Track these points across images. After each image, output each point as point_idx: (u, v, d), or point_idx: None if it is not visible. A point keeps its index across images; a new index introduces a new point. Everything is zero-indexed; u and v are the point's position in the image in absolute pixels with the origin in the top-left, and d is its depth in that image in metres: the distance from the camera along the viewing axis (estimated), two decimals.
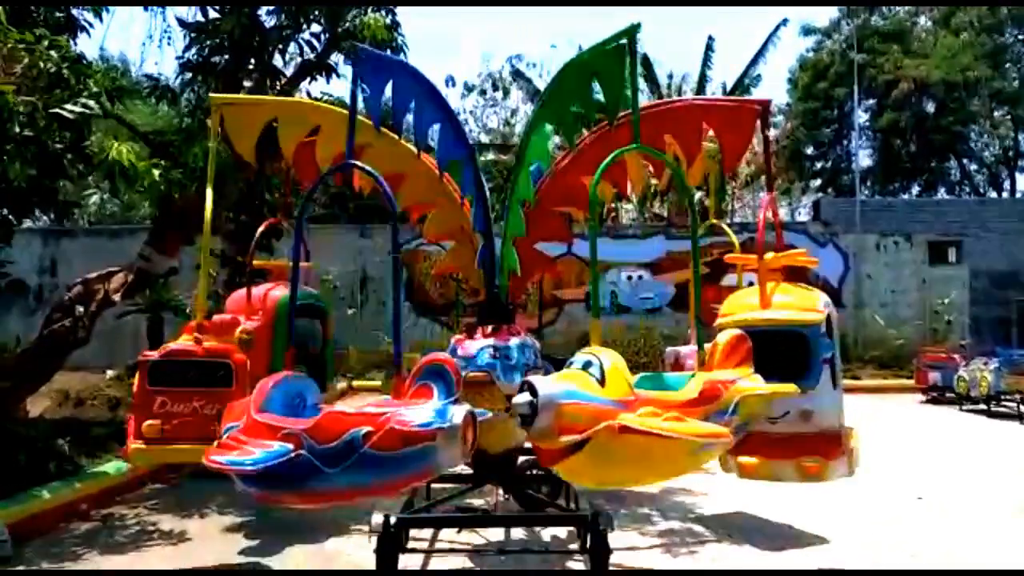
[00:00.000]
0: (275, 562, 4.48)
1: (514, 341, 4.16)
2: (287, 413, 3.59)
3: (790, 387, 3.69)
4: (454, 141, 4.50)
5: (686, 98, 4.49)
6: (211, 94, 4.74)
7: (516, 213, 4.43)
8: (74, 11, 6.59)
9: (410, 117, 4.58)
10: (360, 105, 4.32)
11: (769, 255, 4.32)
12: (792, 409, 3.77)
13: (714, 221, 6.40)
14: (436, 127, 4.48)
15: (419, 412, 3.38)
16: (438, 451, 3.31)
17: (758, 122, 4.63)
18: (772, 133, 22.14)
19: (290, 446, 3.39)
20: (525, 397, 3.18)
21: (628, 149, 3.98)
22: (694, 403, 3.36)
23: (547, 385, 3.18)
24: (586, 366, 3.36)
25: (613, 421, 3.04)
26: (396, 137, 4.61)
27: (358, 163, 3.81)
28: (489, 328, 4.27)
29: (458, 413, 3.35)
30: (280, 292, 5.01)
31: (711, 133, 4.69)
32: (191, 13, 7.59)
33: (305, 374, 3.84)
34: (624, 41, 4.24)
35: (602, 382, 3.22)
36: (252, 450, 3.47)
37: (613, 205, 17.40)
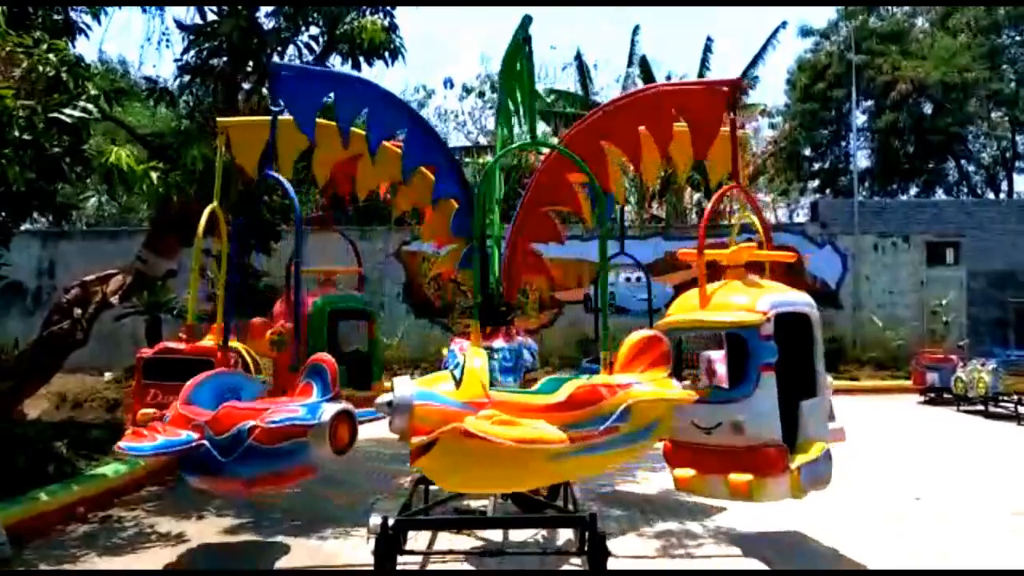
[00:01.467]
0: (274, 564, 4.48)
1: (512, 343, 4.18)
2: (216, 406, 3.89)
3: (686, 394, 3.44)
4: (422, 146, 4.57)
5: (655, 84, 4.43)
6: (219, 118, 4.82)
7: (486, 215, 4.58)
8: (72, 14, 6.59)
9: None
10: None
11: (733, 249, 4.02)
12: (724, 420, 3.42)
13: (748, 216, 5.85)
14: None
15: (294, 409, 3.69)
16: (310, 447, 3.60)
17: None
18: (770, 134, 22.00)
19: (195, 435, 3.83)
20: (386, 397, 3.31)
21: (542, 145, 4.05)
22: (558, 408, 3.29)
23: (403, 387, 3.31)
24: (457, 366, 3.48)
25: (458, 424, 3.11)
26: (389, 146, 4.67)
27: (273, 173, 4.24)
28: (488, 330, 4.29)
29: (328, 411, 3.61)
30: (318, 296, 5.35)
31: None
32: (189, 16, 7.60)
33: (344, 372, 4.01)
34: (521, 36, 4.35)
35: (459, 384, 3.31)
36: (157, 437, 3.92)
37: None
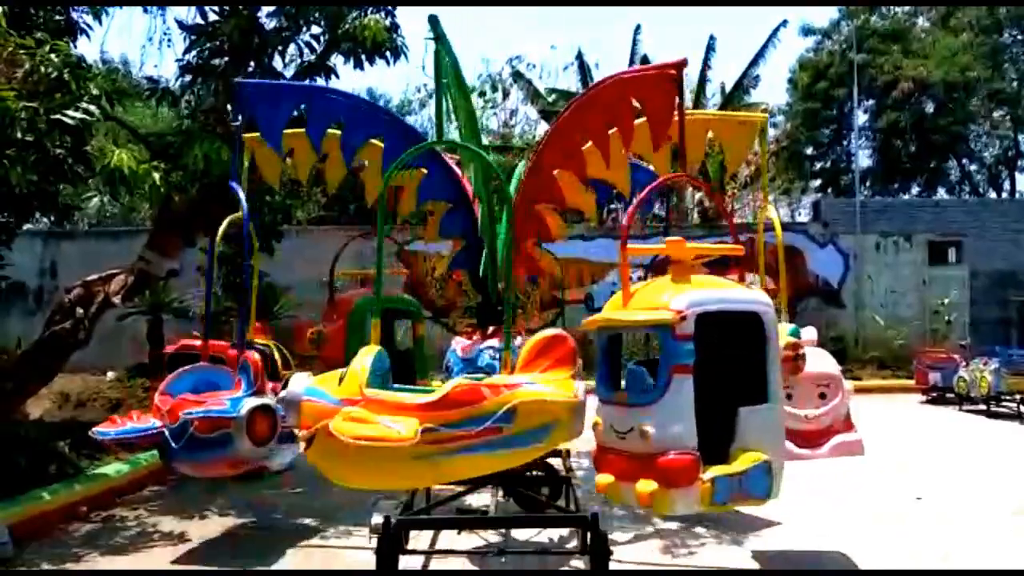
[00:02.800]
0: (275, 563, 4.49)
1: (514, 342, 4.18)
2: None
3: (564, 396, 3.27)
4: (404, 150, 4.63)
5: (611, 75, 4.44)
6: (244, 134, 4.85)
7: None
8: (74, 14, 6.60)
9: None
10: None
11: (691, 245, 3.75)
12: (635, 425, 3.21)
13: (769, 213, 5.56)
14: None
15: (222, 402, 4.17)
16: (235, 438, 4.08)
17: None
18: (772, 133, 22.03)
19: (158, 423, 4.30)
20: (282, 393, 3.48)
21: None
22: (431, 407, 3.23)
23: (296, 383, 3.41)
24: (458, 367, 3.51)
25: (327, 421, 3.18)
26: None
27: (235, 186, 4.52)
28: (489, 330, 4.29)
29: (248, 404, 4.07)
30: (361, 297, 5.65)
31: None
32: (190, 16, 7.60)
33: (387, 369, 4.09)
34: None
35: (341, 380, 3.37)
36: (125, 424, 4.48)
37: (614, 206, 17.39)
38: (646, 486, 3.09)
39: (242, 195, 4.68)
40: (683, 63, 4.19)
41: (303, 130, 4.67)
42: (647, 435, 3.12)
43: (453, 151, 5.24)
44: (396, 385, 3.64)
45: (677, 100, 4.15)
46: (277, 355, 5.68)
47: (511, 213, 4.22)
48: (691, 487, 3.09)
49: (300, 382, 3.43)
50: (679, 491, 3.09)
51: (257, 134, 4.82)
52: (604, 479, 3.34)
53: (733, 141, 4.95)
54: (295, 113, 4.96)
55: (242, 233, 4.76)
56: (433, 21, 4.55)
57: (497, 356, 4.10)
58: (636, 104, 4.28)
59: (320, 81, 7.62)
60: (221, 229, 4.86)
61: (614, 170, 4.62)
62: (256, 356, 4.53)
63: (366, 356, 3.47)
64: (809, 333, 4.52)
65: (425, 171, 4.85)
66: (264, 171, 5.27)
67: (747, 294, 3.50)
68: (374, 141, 4.77)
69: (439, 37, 4.50)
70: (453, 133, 5.72)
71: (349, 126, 4.65)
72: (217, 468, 4.57)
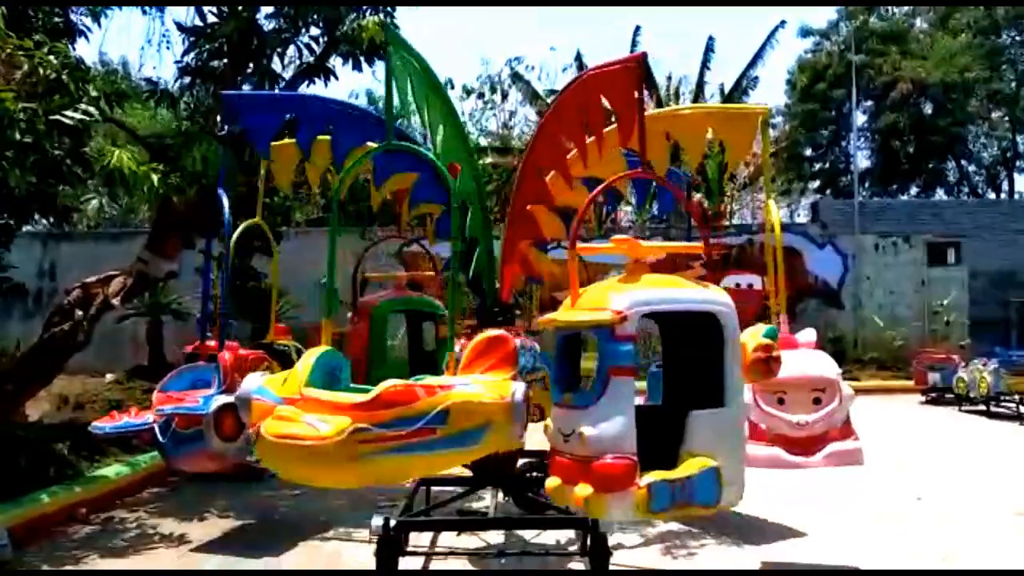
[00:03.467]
0: (275, 565, 4.49)
1: (513, 344, 4.17)
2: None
3: (496, 399, 3.24)
4: (395, 155, 4.66)
5: (583, 71, 4.45)
6: (272, 143, 4.92)
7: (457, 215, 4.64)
8: (73, 16, 6.60)
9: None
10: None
11: (646, 244, 3.80)
12: (576, 428, 3.14)
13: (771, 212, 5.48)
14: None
15: (197, 399, 4.57)
16: (206, 434, 4.44)
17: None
18: (771, 134, 22.12)
19: (151, 419, 4.66)
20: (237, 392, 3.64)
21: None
22: (365, 407, 3.23)
23: (247, 382, 3.53)
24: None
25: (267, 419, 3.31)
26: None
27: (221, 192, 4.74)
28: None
29: (216, 402, 4.45)
30: (382, 299, 5.82)
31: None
32: (189, 18, 7.61)
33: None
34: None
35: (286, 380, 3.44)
36: (121, 419, 4.92)
37: (612, 207, 17.39)
38: (582, 490, 3.03)
39: (226, 203, 4.89)
40: (643, 56, 4.17)
41: (327, 138, 4.76)
42: (584, 438, 3.06)
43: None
44: (356, 385, 3.71)
45: (637, 95, 4.03)
46: (295, 356, 5.83)
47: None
48: (626, 493, 3.01)
49: (252, 381, 3.50)
50: (614, 496, 3.00)
51: (287, 141, 4.93)
52: (552, 482, 3.29)
53: (733, 136, 4.76)
54: (286, 117, 5.05)
55: (240, 236, 4.89)
56: (385, 27, 4.62)
57: None
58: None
59: (319, 82, 7.64)
60: (235, 234, 5.03)
61: (607, 167, 4.60)
62: (227, 356, 4.79)
63: (310, 356, 3.53)
64: (807, 335, 4.41)
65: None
66: (278, 177, 5.37)
67: (701, 293, 3.37)
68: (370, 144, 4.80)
69: (393, 43, 4.51)
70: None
71: (339, 131, 4.73)
72: (199, 462, 4.81)
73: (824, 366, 4.24)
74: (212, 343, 5.30)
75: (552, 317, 3.42)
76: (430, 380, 3.37)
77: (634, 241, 3.54)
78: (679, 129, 4.73)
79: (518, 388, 3.31)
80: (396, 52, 4.54)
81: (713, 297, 3.36)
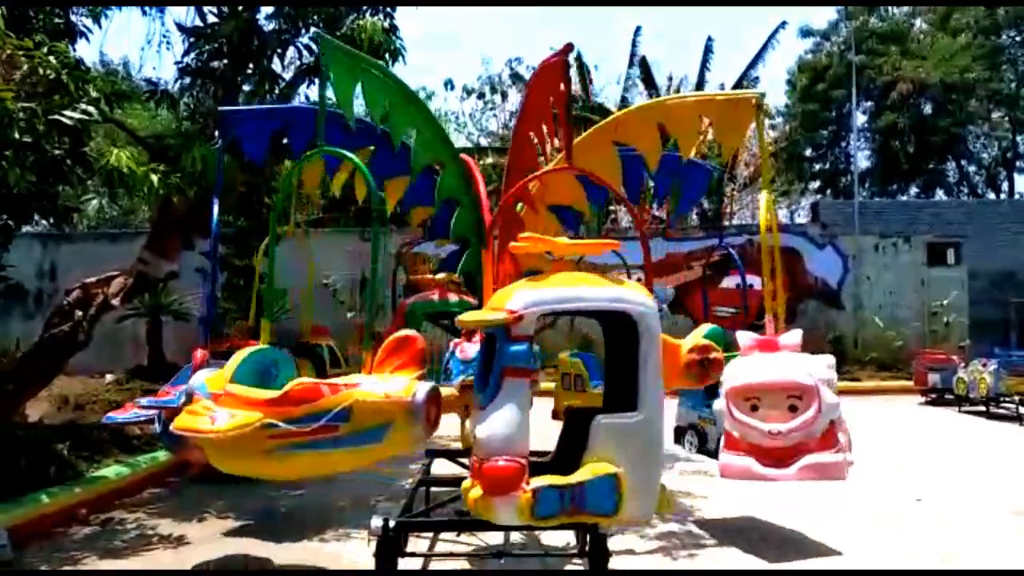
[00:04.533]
0: (274, 566, 4.48)
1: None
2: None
3: (396, 398, 3.29)
4: (389, 160, 4.72)
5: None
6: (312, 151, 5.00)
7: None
8: (73, 17, 6.60)
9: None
10: None
11: (562, 241, 3.60)
12: (475, 430, 3.13)
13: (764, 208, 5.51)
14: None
15: (173, 394, 5.01)
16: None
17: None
18: (771, 135, 22.00)
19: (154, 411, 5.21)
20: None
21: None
22: (274, 403, 3.35)
23: (195, 378, 3.69)
24: (457, 368, 3.58)
25: None
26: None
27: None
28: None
29: (184, 397, 4.50)
30: (415, 300, 5.86)
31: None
32: (189, 18, 7.61)
33: None
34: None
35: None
36: (131, 410, 5.46)
37: (611, 208, 17.40)
38: (474, 492, 3.01)
39: (216, 211, 5.05)
40: (568, 48, 4.12)
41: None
42: (477, 439, 3.03)
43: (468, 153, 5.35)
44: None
45: (563, 87, 4.05)
46: (338, 353, 6.17)
47: (381, 216, 4.26)
48: (512, 496, 2.92)
49: (197, 378, 3.67)
50: (500, 500, 2.94)
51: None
52: (465, 483, 3.29)
53: (727, 123, 4.56)
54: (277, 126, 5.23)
55: (240, 236, 4.90)
56: (317, 39, 4.68)
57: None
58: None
59: (318, 83, 7.67)
60: (262, 247, 5.04)
61: (603, 167, 4.60)
62: (200, 353, 4.83)
63: (240, 354, 3.73)
64: (790, 337, 4.11)
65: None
66: (306, 182, 5.63)
67: (611, 292, 3.19)
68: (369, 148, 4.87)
69: (331, 54, 4.58)
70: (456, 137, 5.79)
71: (332, 142, 4.83)
72: (191, 453, 4.84)
73: (801, 371, 3.88)
74: (241, 340, 5.52)
75: (461, 317, 3.36)
76: (338, 378, 3.47)
77: (539, 238, 3.46)
78: (671, 120, 4.64)
79: (421, 388, 3.32)
80: (338, 62, 4.58)
81: (625, 296, 3.17)
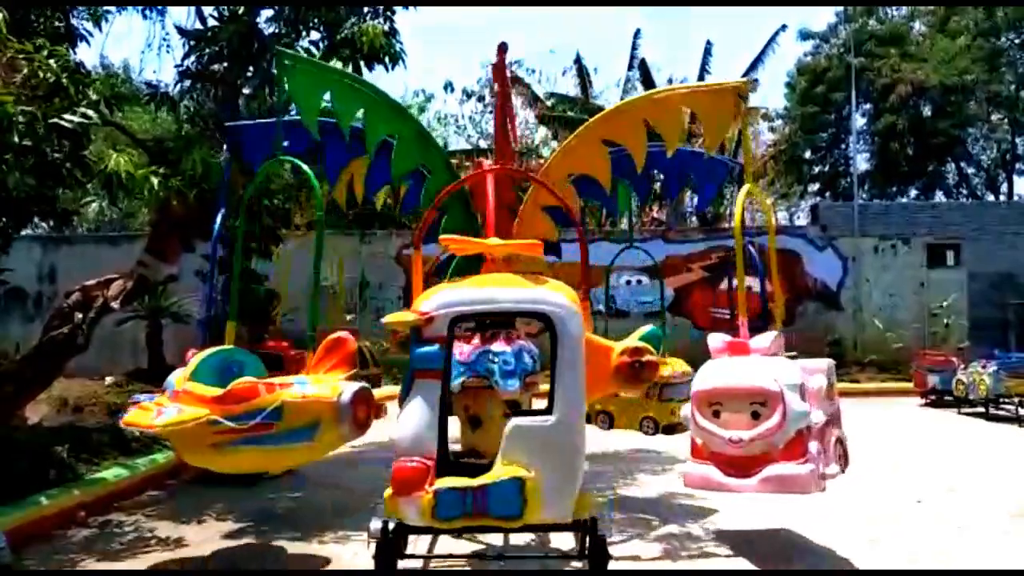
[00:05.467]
0: (273, 567, 4.48)
1: (512, 346, 4.17)
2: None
3: (323, 397, 3.43)
4: (385, 170, 4.75)
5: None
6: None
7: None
8: (73, 20, 6.61)
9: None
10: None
11: (493, 241, 3.61)
12: None
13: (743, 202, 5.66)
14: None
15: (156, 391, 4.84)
16: None
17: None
18: (770, 137, 21.96)
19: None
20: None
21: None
22: (216, 400, 3.55)
23: (171, 377, 3.89)
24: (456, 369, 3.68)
25: None
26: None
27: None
28: (488, 333, 4.29)
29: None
30: None
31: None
32: (190, 21, 7.63)
33: None
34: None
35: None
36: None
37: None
38: (387, 491, 3.02)
39: (221, 218, 5.07)
40: (501, 46, 4.19)
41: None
42: (393, 440, 3.05)
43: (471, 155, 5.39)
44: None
45: (499, 87, 4.17)
46: (367, 354, 6.14)
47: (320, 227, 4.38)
48: (416, 497, 2.94)
49: (172, 375, 3.93)
50: (406, 500, 2.96)
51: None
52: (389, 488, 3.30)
53: (711, 114, 4.44)
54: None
55: (238, 238, 4.95)
56: (278, 53, 4.77)
57: (496, 360, 4.10)
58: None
59: (277, 94, 7.78)
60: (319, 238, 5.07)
61: (593, 163, 4.59)
62: (191, 353, 4.96)
63: (199, 354, 3.95)
64: (762, 340, 3.91)
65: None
66: (337, 198, 5.77)
67: (528, 294, 3.15)
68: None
69: (283, 67, 4.65)
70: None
71: (330, 152, 5.02)
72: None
73: (766, 376, 3.61)
74: (272, 343, 5.76)
75: (385, 318, 3.39)
76: (277, 379, 3.64)
77: (463, 239, 3.54)
78: (656, 114, 4.56)
79: (347, 389, 3.39)
80: (298, 74, 4.63)
81: (543, 297, 3.11)
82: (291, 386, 3.52)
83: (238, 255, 4.74)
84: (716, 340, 3.95)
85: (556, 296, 3.10)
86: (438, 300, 3.09)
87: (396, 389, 3.63)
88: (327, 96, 4.70)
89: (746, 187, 4.25)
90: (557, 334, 3.04)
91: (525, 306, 3.12)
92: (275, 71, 4.76)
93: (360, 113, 4.72)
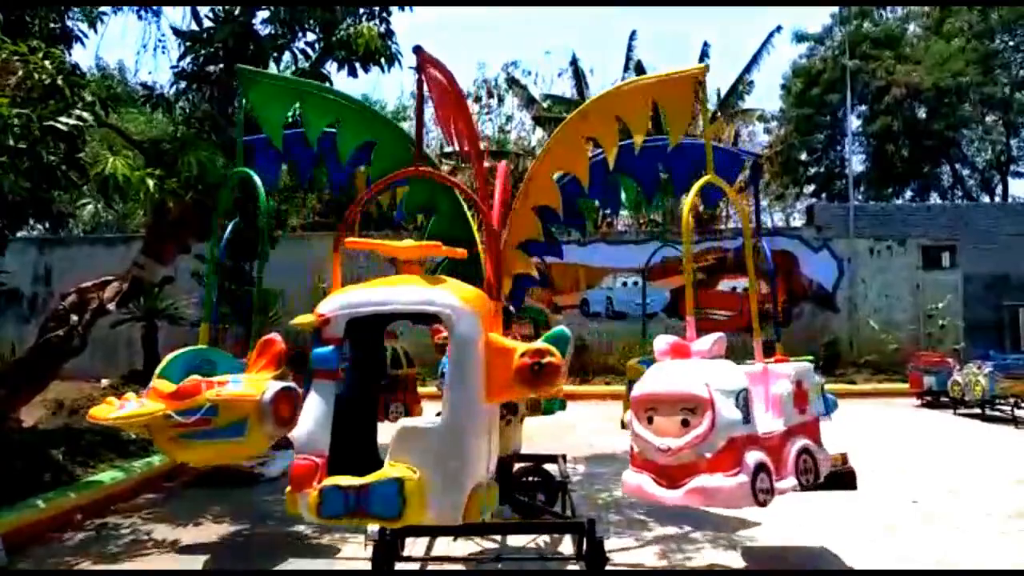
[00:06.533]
0: (271, 571, 4.47)
1: None
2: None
3: (247, 395, 3.74)
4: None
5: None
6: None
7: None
8: (68, 22, 6.60)
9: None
10: None
11: (408, 243, 3.58)
12: None
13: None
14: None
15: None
16: None
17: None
18: (765, 139, 21.85)
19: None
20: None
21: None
22: (170, 396, 3.92)
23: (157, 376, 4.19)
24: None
25: None
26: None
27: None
28: None
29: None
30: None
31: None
32: (185, 22, 7.63)
33: None
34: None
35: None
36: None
37: (608, 211, 17.42)
38: (288, 487, 3.09)
39: (222, 231, 5.27)
40: (416, 47, 4.16)
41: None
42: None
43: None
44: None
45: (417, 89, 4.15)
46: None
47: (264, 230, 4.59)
48: (305, 493, 3.00)
49: (160, 368, 4.27)
50: (299, 496, 3.01)
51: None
52: None
53: (671, 101, 4.29)
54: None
55: (236, 239, 5.00)
56: (239, 72, 4.81)
57: None
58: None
59: (239, 109, 7.80)
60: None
61: (572, 161, 4.56)
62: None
63: (170, 354, 4.31)
64: (703, 343, 3.62)
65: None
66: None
67: (418, 295, 3.14)
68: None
69: (245, 84, 4.72)
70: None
71: (331, 163, 5.04)
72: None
73: (696, 381, 3.37)
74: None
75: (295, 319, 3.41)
76: (217, 378, 3.94)
77: (363, 242, 3.56)
78: (622, 107, 4.47)
79: (270, 388, 3.64)
80: (261, 90, 4.71)
81: (434, 297, 3.10)
82: (226, 384, 3.85)
83: (209, 255, 4.91)
84: (661, 342, 3.74)
85: (447, 297, 3.09)
86: (335, 302, 3.15)
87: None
88: (296, 106, 4.77)
89: (706, 178, 4.07)
90: (448, 335, 3.07)
91: (415, 307, 3.13)
92: (238, 86, 4.78)
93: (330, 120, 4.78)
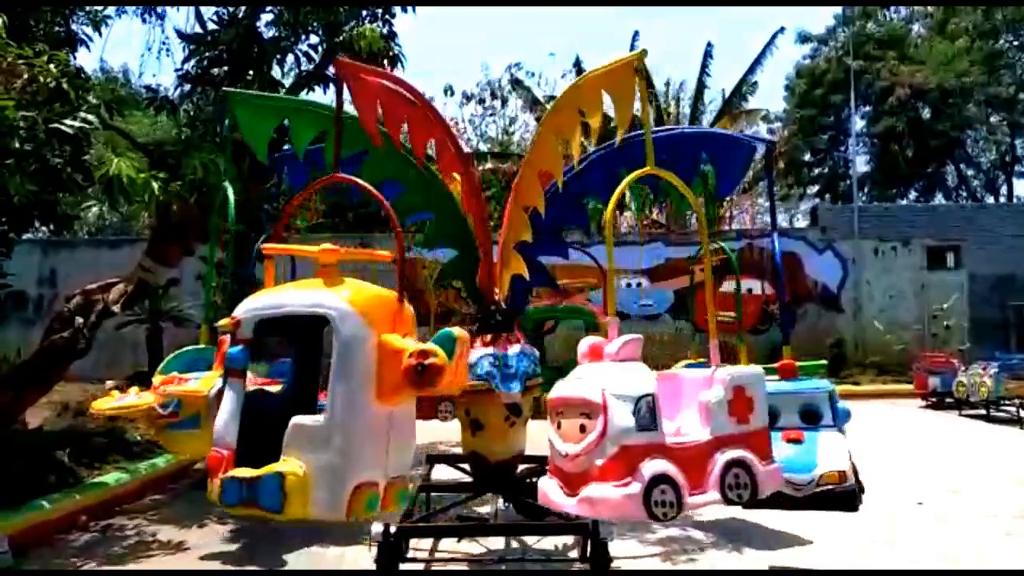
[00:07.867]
0: (276, 571, 4.48)
1: (513, 349, 4.17)
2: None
3: (197, 391, 4.22)
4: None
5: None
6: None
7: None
8: (73, 25, 6.63)
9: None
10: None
11: (325, 246, 3.55)
12: None
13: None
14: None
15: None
16: None
17: None
18: (771, 139, 21.95)
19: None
20: None
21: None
22: (156, 390, 4.44)
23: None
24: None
25: None
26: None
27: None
28: (488, 337, 4.29)
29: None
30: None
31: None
32: (189, 25, 7.65)
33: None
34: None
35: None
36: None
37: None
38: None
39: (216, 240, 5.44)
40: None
41: None
42: None
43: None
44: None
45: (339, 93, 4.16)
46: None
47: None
48: (213, 483, 3.21)
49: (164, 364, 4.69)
50: (212, 483, 3.23)
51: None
52: None
53: (615, 89, 4.13)
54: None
55: (236, 241, 5.07)
56: (225, 95, 4.90)
57: (496, 363, 4.10)
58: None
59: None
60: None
61: (549, 159, 4.52)
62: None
63: (173, 353, 4.80)
64: (615, 344, 3.38)
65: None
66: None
67: (310, 297, 3.23)
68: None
69: (233, 105, 4.75)
70: None
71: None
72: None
73: (592, 385, 3.18)
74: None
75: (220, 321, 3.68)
76: (189, 375, 4.39)
77: (284, 248, 3.77)
78: (582, 100, 4.35)
79: (217, 384, 3.85)
80: (247, 109, 4.74)
81: (321, 299, 3.19)
82: (188, 381, 4.32)
83: (210, 256, 5.35)
84: (583, 344, 3.55)
85: (334, 299, 3.19)
86: (245, 305, 3.35)
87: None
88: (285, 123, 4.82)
89: (647, 168, 3.84)
90: (334, 335, 3.16)
91: (303, 309, 3.25)
92: (227, 107, 4.86)
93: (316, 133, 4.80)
